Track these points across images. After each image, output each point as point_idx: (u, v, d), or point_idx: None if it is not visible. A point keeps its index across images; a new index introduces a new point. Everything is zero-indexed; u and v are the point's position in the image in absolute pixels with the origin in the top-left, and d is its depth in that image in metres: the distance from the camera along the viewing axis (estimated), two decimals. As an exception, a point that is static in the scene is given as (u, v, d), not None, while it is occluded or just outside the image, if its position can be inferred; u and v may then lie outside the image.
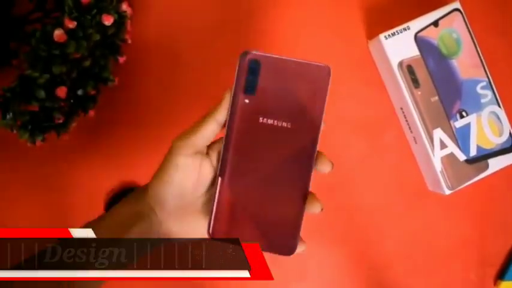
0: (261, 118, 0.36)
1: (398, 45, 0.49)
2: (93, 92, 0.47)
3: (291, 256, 0.36)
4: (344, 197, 0.54)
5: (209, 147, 0.37)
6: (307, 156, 0.36)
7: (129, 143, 0.53)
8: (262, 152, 0.36)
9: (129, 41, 0.49)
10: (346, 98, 0.54)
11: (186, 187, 0.35)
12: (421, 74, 0.50)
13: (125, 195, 0.51)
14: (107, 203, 0.52)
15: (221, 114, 0.35)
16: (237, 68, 0.36)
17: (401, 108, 0.52)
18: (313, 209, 0.35)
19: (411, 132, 0.52)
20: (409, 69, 0.50)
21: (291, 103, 0.36)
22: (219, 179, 0.36)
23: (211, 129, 0.35)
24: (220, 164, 0.36)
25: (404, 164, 0.54)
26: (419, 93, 0.50)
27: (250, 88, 0.36)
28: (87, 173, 0.53)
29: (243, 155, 0.36)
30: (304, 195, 0.36)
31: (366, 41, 0.54)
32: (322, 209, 0.36)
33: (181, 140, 0.35)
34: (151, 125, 0.53)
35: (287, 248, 0.36)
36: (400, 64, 0.49)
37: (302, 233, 0.38)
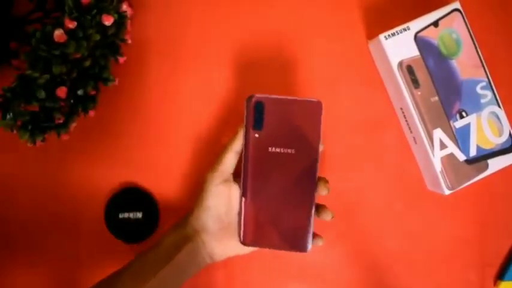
0: (269, 148, 0.44)
1: (398, 46, 0.49)
2: (93, 92, 0.47)
3: (308, 252, 0.45)
4: (343, 197, 0.54)
5: (235, 174, 0.46)
6: (311, 173, 0.44)
7: (129, 143, 0.53)
8: (275, 174, 0.45)
9: (129, 41, 0.49)
10: (346, 98, 0.54)
11: (221, 210, 0.44)
12: (421, 74, 0.50)
13: (125, 195, 0.52)
14: (107, 203, 0.52)
15: (238, 145, 0.44)
16: (245, 109, 0.44)
17: (401, 109, 0.52)
18: (325, 217, 0.44)
19: (411, 132, 0.52)
20: (409, 70, 0.49)
21: (293, 133, 0.44)
22: (243, 198, 0.45)
23: (232, 158, 0.45)
24: (242, 186, 0.45)
25: (403, 164, 0.54)
26: (419, 93, 0.50)
27: (258, 124, 0.44)
28: (87, 173, 0.53)
29: (259, 178, 0.45)
30: (311, 205, 0.45)
31: (365, 41, 0.54)
32: (332, 217, 0.45)
33: (211, 172, 0.44)
34: (152, 125, 0.53)
35: (302, 247, 0.45)
36: (400, 64, 0.49)
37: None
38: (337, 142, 0.54)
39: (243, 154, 0.45)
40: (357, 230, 0.54)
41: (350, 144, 0.54)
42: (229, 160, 0.44)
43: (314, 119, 0.44)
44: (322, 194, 0.44)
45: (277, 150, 0.45)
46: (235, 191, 0.45)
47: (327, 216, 0.44)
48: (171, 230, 0.46)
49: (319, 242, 0.45)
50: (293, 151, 0.45)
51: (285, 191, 0.45)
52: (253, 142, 0.45)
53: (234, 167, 0.45)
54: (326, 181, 0.44)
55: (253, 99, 0.44)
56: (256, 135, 0.45)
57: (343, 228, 0.54)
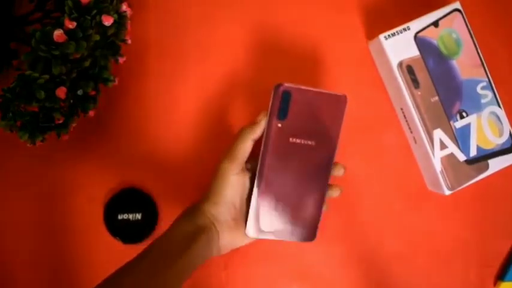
0: (291, 138, 0.44)
1: (398, 46, 0.49)
2: (93, 93, 0.47)
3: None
4: (344, 197, 0.54)
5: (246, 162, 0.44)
6: (326, 167, 0.45)
7: (129, 143, 0.53)
8: (291, 165, 0.45)
9: (129, 42, 0.49)
10: None
11: (236, 200, 0.44)
12: (421, 74, 0.50)
13: (124, 196, 0.52)
14: (106, 204, 0.52)
15: (257, 134, 0.43)
16: (272, 97, 0.44)
17: (401, 109, 0.52)
18: (333, 194, 0.46)
19: (411, 132, 0.52)
20: (409, 70, 0.49)
21: (315, 125, 0.44)
22: (256, 189, 0.44)
23: (249, 147, 0.44)
24: (257, 176, 0.44)
25: (404, 164, 0.54)
26: (419, 93, 0.50)
27: (283, 114, 0.44)
28: (87, 173, 0.53)
29: (275, 168, 0.44)
30: (322, 197, 0.46)
31: (365, 42, 0.54)
32: (340, 192, 0.47)
33: (229, 162, 0.43)
34: (151, 125, 0.53)
35: (310, 236, 0.46)
36: (400, 64, 0.49)
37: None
38: None
39: (262, 143, 0.44)
40: (357, 229, 0.54)
41: (350, 143, 0.54)
42: (247, 149, 0.44)
43: (337, 113, 0.45)
44: (338, 174, 0.46)
45: (298, 141, 0.44)
46: (248, 180, 0.45)
47: (335, 192, 0.46)
48: (184, 220, 0.44)
49: (336, 192, 0.47)
50: (313, 143, 0.45)
51: (298, 182, 0.45)
52: (275, 132, 0.44)
53: (248, 156, 0.44)
54: (342, 166, 0.46)
55: (281, 88, 0.43)
56: (279, 124, 0.44)
57: (343, 228, 0.54)
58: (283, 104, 0.44)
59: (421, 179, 0.54)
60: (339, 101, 0.45)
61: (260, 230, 0.45)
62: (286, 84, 0.44)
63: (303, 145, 0.44)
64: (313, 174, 0.45)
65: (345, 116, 0.45)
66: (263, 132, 0.44)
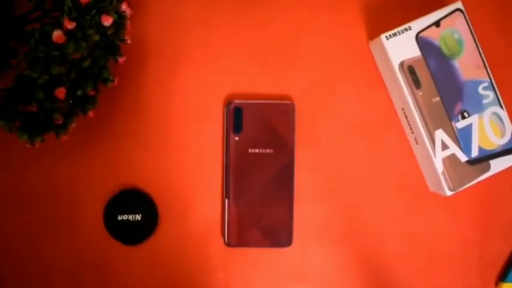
0: (250, 149, 0.47)
1: (400, 46, 0.49)
2: (92, 93, 0.47)
3: (290, 247, 0.48)
4: (344, 198, 0.54)
5: None
6: (289, 171, 0.48)
7: (128, 144, 0.53)
8: (255, 173, 0.47)
9: (129, 42, 0.49)
10: (347, 99, 0.54)
11: None
12: (423, 74, 0.49)
13: (124, 197, 0.51)
14: (106, 205, 0.52)
15: None
16: (225, 114, 0.48)
17: (403, 109, 0.52)
18: None
19: (412, 133, 0.52)
20: (410, 70, 0.49)
21: (270, 134, 0.47)
22: (226, 200, 0.48)
23: None
24: (225, 189, 0.48)
25: (405, 164, 0.54)
26: (420, 94, 0.49)
27: (238, 128, 0.48)
28: (86, 174, 0.53)
29: (241, 179, 0.47)
30: (291, 201, 0.48)
31: (366, 42, 0.54)
32: None
33: None
34: (151, 125, 0.53)
35: (286, 242, 0.48)
36: (401, 64, 0.49)
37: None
38: (338, 142, 0.54)
39: (225, 157, 0.48)
40: (358, 231, 0.54)
41: (351, 144, 0.54)
42: None
43: (289, 120, 0.48)
44: None
45: (257, 150, 0.47)
46: None
47: None
48: None
49: None
50: (271, 151, 0.47)
51: (266, 189, 0.48)
52: (233, 145, 0.47)
53: None
54: None
55: (232, 105, 0.48)
56: (236, 138, 0.48)
57: (344, 229, 0.54)
58: (236, 119, 0.47)
59: (422, 180, 0.54)
60: (288, 109, 0.48)
61: (238, 240, 0.48)
62: (236, 101, 0.48)
63: (262, 154, 0.47)
64: (278, 181, 0.48)
65: (296, 122, 0.48)
66: (224, 148, 0.48)
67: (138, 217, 0.51)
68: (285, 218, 0.48)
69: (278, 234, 0.48)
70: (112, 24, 0.44)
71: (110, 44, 0.47)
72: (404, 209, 0.54)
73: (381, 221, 0.54)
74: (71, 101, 0.45)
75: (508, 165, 0.50)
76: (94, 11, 0.42)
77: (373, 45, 0.53)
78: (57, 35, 0.41)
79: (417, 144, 0.52)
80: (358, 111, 0.54)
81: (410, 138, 0.53)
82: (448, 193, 0.49)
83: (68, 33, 0.41)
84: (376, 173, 0.54)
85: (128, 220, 0.51)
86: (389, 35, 0.49)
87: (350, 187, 0.54)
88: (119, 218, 0.51)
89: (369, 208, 0.54)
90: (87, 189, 0.53)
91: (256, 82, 0.53)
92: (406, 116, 0.52)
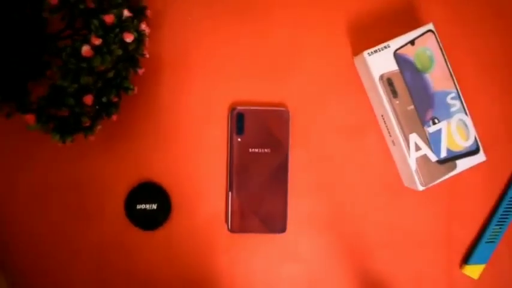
0: (250, 149, 0.48)
1: (380, 61, 0.49)
2: (115, 99, 0.47)
3: (285, 233, 0.49)
4: (332, 191, 0.54)
5: None
6: (284, 167, 0.49)
7: (146, 143, 0.53)
8: (254, 170, 0.48)
9: (147, 56, 0.49)
10: (335, 106, 0.54)
11: None
12: (399, 86, 0.50)
13: (142, 189, 0.52)
14: (126, 196, 0.52)
15: None
16: (229, 118, 0.49)
17: (382, 115, 0.52)
18: None
19: (390, 136, 0.52)
20: (388, 82, 0.50)
21: (268, 136, 0.48)
22: (229, 192, 0.48)
23: None
24: (229, 183, 0.48)
25: (384, 163, 0.54)
26: (397, 102, 0.50)
27: (240, 131, 0.49)
28: (109, 169, 0.53)
29: (242, 174, 0.48)
30: (286, 193, 0.49)
31: (351, 57, 0.55)
32: None
33: None
34: (165, 127, 0.53)
35: (282, 229, 0.49)
36: (381, 77, 0.49)
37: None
38: (327, 143, 0.54)
39: (229, 156, 0.48)
40: (344, 220, 0.54)
41: (338, 145, 0.54)
42: None
43: (284, 124, 0.49)
44: None
45: (256, 150, 0.48)
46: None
47: None
48: None
49: None
50: (269, 150, 0.48)
51: (264, 183, 0.48)
52: (236, 145, 0.48)
53: None
54: None
55: (235, 111, 0.49)
56: (239, 139, 0.48)
57: (331, 218, 0.54)
58: (239, 123, 0.48)
59: (398, 177, 0.54)
60: (283, 115, 0.49)
61: (239, 227, 0.49)
62: (239, 107, 0.49)
63: (261, 153, 0.48)
64: (274, 176, 0.48)
65: (290, 126, 0.49)
66: (228, 148, 0.49)
67: (154, 206, 0.52)
68: (281, 208, 0.49)
69: (274, 222, 0.49)
70: (133, 41, 0.44)
71: (131, 57, 0.48)
72: (383, 201, 0.54)
73: (362, 212, 0.54)
74: (97, 107, 0.46)
75: (471, 164, 0.50)
76: (117, 30, 0.43)
77: (357, 60, 0.53)
78: (85, 50, 0.41)
79: (394, 145, 0.52)
80: (344, 117, 0.54)
81: (388, 140, 0.53)
82: (421, 188, 0.50)
83: (95, 48, 0.42)
84: (359, 171, 0.54)
85: (145, 209, 0.52)
86: (371, 52, 0.49)
87: (337, 182, 0.54)
88: (138, 207, 0.52)
89: (353, 200, 0.54)
90: (110, 182, 0.53)
91: (256, 91, 0.54)
92: (384, 121, 0.52)
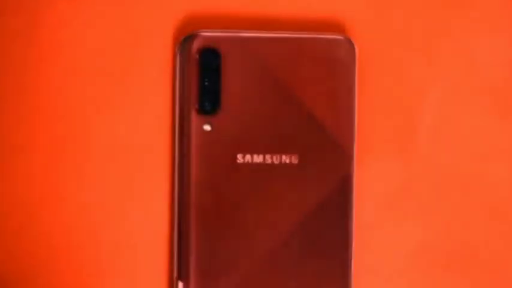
0: (238, 155, 0.48)
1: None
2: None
3: None
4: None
5: None
6: (341, 204, 0.45)
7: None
8: (255, 216, 0.46)
9: None
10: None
11: None
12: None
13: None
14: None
15: None
16: (179, 70, 0.45)
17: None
18: None
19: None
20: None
21: (295, 116, 0.42)
22: (178, 283, 0.45)
23: None
24: (178, 252, 0.46)
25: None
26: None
27: (209, 104, 0.50)
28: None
29: (217, 229, 0.41)
30: (348, 275, 0.45)
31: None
32: None
33: None
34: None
35: None
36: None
37: None
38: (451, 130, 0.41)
39: (177, 175, 0.39)
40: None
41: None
42: None
43: (341, 85, 0.44)
44: None
45: (257, 157, 0.48)
46: None
47: None
48: None
49: None
50: (295, 158, 0.48)
51: (283, 252, 0.45)
52: (201, 144, 0.45)
53: None
54: None
55: (197, 47, 0.43)
56: (208, 127, 0.45)
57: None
58: (207, 81, 0.45)
59: None
60: (337, 55, 0.45)
61: None
62: (205, 34, 0.40)
63: (271, 166, 0.44)
64: (310, 231, 0.47)
65: (356, 89, 0.47)
66: (175, 153, 0.45)
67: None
68: None
69: None
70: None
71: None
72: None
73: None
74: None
75: None
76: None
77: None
78: None
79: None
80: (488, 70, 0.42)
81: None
82: None
83: None
84: None
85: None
86: None
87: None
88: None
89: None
90: None
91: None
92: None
